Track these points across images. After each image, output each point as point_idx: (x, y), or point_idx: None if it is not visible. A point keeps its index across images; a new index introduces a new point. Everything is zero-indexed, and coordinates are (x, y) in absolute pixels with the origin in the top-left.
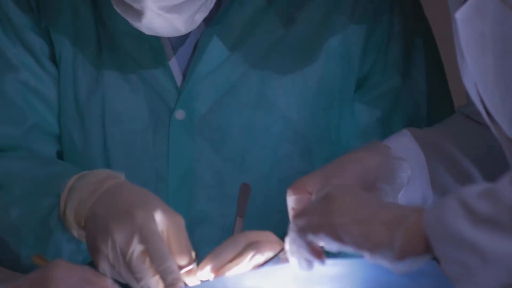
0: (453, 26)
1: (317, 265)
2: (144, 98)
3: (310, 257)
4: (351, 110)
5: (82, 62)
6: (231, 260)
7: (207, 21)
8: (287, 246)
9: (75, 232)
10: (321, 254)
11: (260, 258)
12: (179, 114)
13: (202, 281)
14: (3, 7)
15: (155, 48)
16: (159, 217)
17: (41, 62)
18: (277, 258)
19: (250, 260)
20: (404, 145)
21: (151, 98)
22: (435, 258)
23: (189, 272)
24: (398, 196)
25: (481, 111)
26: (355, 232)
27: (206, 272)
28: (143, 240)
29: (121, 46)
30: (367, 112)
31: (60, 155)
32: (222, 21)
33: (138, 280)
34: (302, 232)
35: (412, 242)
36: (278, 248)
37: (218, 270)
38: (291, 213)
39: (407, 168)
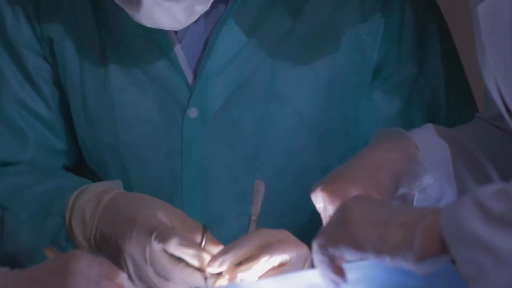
0: (474, 20)
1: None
2: (154, 98)
3: (333, 276)
4: (368, 101)
5: (87, 68)
6: (245, 262)
7: (215, 17)
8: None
9: (87, 249)
10: (342, 272)
11: (274, 261)
12: (192, 112)
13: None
14: (2, 23)
15: (164, 47)
16: (161, 214)
17: (34, 82)
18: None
19: (265, 263)
20: (428, 139)
21: (161, 98)
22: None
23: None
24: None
25: (500, 107)
26: (373, 237)
27: (215, 267)
28: (160, 237)
29: (128, 48)
30: (386, 104)
31: (69, 168)
32: (230, 17)
33: (168, 277)
34: (324, 248)
35: (430, 242)
36: (292, 250)
37: (224, 265)
38: (324, 216)
39: (430, 178)
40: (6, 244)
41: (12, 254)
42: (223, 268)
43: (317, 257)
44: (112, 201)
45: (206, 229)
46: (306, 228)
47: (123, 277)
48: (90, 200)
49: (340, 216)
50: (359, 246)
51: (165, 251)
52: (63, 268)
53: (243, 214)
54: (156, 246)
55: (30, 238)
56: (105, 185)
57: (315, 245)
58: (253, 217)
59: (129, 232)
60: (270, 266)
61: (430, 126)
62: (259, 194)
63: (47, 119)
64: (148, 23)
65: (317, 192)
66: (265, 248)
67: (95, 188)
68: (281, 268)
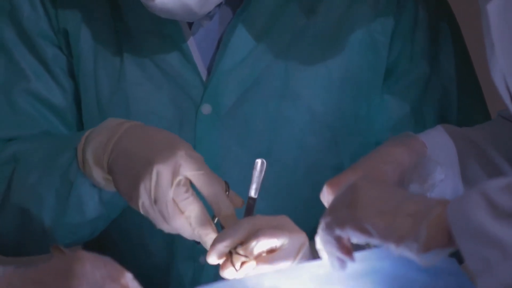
0: (483, 18)
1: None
2: (168, 94)
3: (340, 255)
4: (381, 100)
5: (102, 62)
6: (236, 250)
7: (229, 16)
8: (318, 245)
9: (97, 176)
10: (350, 251)
11: (262, 246)
12: (206, 109)
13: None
14: (18, 14)
15: (177, 40)
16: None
17: (52, 71)
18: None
19: (254, 250)
20: (436, 138)
21: (175, 94)
22: (458, 252)
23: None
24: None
25: (508, 104)
26: (380, 224)
27: (213, 258)
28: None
29: (143, 44)
30: (398, 103)
31: None
32: (245, 15)
33: (184, 208)
34: (330, 228)
35: (437, 235)
36: (285, 235)
37: (222, 256)
38: None
39: (441, 172)
40: (14, 195)
41: (19, 205)
42: (222, 259)
43: (323, 236)
44: (137, 127)
45: (228, 185)
46: (317, 225)
47: (128, 277)
48: (109, 127)
49: (348, 196)
50: (365, 230)
51: (190, 184)
52: (67, 270)
53: (257, 212)
54: (188, 173)
55: (39, 178)
56: (122, 119)
57: (321, 224)
58: (250, 197)
59: (166, 150)
60: (258, 251)
61: (439, 127)
62: (257, 173)
63: (61, 110)
64: (161, 13)
65: (323, 190)
66: (254, 233)
67: (114, 120)
68: (271, 255)
